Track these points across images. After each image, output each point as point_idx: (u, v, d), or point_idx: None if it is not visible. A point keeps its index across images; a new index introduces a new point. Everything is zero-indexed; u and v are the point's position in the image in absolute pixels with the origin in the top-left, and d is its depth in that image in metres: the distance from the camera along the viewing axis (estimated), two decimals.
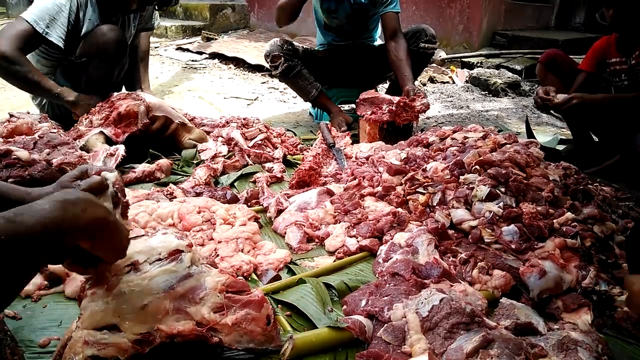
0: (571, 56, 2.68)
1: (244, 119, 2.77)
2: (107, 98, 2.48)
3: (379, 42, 3.35)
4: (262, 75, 5.01)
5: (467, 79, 4.88)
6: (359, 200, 1.89)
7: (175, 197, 1.89)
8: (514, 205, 1.56)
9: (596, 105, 2.34)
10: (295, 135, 2.99)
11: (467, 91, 4.59)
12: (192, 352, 1.09)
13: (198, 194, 1.96)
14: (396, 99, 2.62)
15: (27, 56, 2.37)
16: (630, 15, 2.28)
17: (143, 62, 3.15)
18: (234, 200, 1.99)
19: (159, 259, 1.09)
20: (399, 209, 1.78)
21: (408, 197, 1.81)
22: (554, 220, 1.51)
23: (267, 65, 3.16)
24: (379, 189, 1.91)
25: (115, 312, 1.00)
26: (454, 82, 4.96)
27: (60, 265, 1.38)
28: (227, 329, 1.07)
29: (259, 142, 2.55)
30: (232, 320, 1.08)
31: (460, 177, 1.73)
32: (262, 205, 1.99)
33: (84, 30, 2.48)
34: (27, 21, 2.34)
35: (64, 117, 2.70)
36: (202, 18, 7.34)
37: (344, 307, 1.32)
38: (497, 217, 1.54)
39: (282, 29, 6.99)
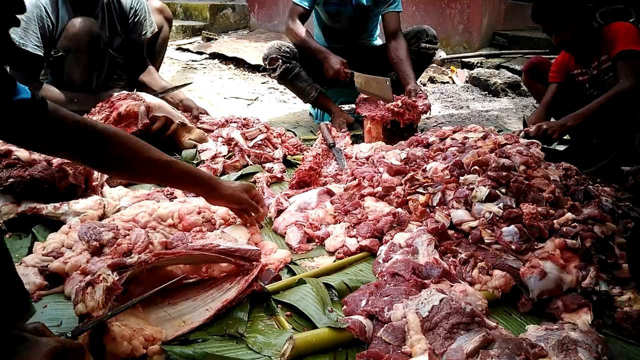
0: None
1: (244, 119, 2.77)
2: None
3: (378, 41, 3.35)
4: (262, 75, 5.01)
5: (467, 79, 4.87)
6: (359, 200, 1.89)
7: (176, 197, 1.89)
8: (514, 205, 1.56)
9: (566, 129, 2.35)
10: (295, 135, 2.99)
11: (467, 91, 4.58)
12: None
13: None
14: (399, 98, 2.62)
15: None
16: (576, 38, 2.32)
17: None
18: None
19: None
20: (399, 209, 1.78)
21: (408, 198, 1.81)
22: (554, 221, 1.51)
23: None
24: (379, 189, 1.90)
25: None
26: (454, 82, 4.95)
27: (60, 265, 1.40)
28: None
29: (259, 142, 2.55)
30: None
31: (460, 177, 1.72)
32: None
33: (58, 30, 2.46)
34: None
35: None
36: (202, 18, 7.35)
37: (344, 307, 1.32)
38: (497, 218, 1.54)
39: (281, 29, 7.02)
